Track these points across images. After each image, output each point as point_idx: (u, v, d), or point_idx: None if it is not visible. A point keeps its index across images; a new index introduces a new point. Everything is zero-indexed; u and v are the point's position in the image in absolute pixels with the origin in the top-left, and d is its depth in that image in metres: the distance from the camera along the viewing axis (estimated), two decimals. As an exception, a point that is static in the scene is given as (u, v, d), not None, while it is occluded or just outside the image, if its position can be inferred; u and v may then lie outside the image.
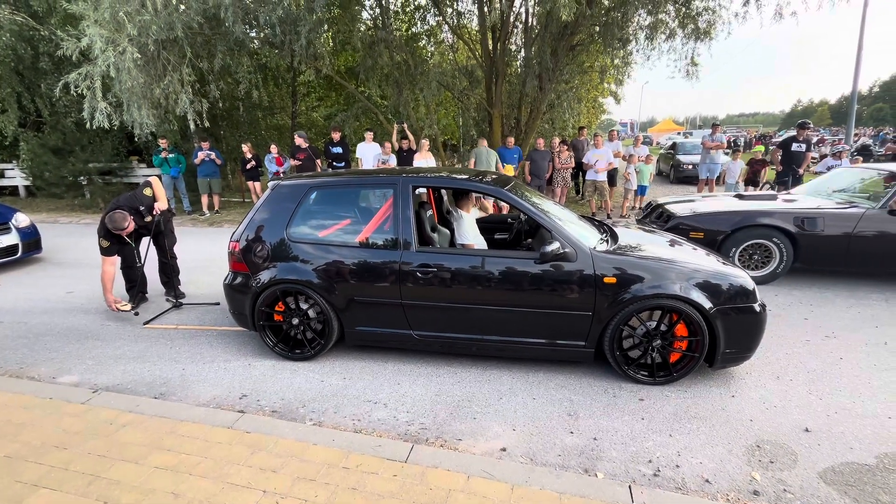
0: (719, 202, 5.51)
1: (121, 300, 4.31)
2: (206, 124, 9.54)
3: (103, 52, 7.54)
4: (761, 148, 9.71)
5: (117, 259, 4.35)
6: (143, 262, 4.59)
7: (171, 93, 8.72)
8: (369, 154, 8.81)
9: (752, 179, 9.30)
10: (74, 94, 8.32)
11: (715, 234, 4.94)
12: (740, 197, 5.70)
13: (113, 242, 4.21)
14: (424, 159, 8.35)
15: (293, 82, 14.75)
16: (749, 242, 4.91)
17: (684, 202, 5.76)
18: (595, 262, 2.92)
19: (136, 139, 9.71)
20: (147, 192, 4.40)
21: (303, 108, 16.45)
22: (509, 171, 8.80)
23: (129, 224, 4.13)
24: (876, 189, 5.08)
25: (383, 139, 9.03)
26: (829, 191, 5.59)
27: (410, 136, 9.07)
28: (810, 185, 6.21)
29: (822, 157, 13.42)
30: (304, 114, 16.47)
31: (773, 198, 5.55)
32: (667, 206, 5.61)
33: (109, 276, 4.21)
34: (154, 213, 4.39)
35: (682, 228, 5.01)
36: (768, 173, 9.52)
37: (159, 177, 9.27)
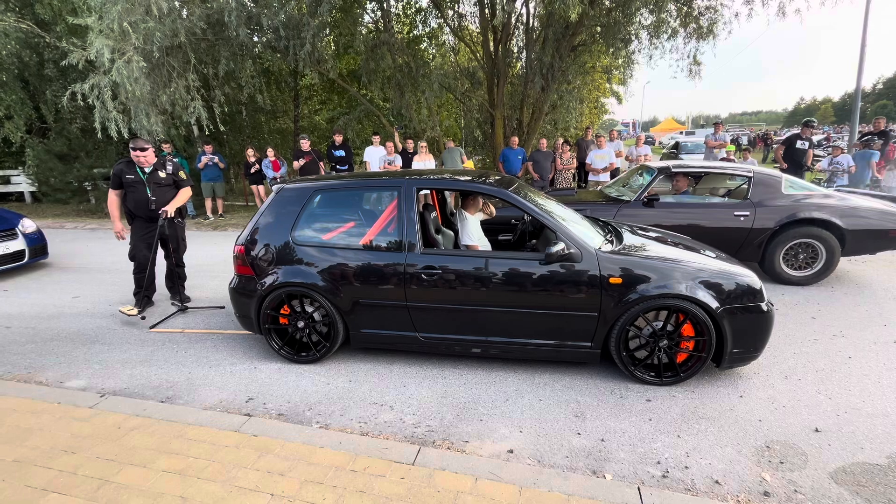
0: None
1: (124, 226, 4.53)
2: (221, 127, 9.60)
3: (113, 63, 7.61)
4: (731, 147, 9.71)
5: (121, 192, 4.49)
6: (152, 266, 4.57)
7: (178, 99, 8.79)
8: (375, 157, 8.87)
9: None
10: (82, 103, 8.39)
11: None
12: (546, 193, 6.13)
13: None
14: (424, 161, 8.37)
15: (296, 86, 14.81)
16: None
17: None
18: (600, 263, 2.91)
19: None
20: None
21: (305, 112, 16.52)
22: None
23: (150, 151, 4.34)
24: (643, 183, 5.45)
25: (387, 141, 9.07)
26: (620, 184, 5.99)
27: (399, 143, 9.15)
28: (618, 178, 6.55)
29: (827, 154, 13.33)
30: (306, 117, 16.54)
31: (573, 192, 5.99)
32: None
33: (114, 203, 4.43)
34: (162, 214, 4.36)
35: None
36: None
37: None
